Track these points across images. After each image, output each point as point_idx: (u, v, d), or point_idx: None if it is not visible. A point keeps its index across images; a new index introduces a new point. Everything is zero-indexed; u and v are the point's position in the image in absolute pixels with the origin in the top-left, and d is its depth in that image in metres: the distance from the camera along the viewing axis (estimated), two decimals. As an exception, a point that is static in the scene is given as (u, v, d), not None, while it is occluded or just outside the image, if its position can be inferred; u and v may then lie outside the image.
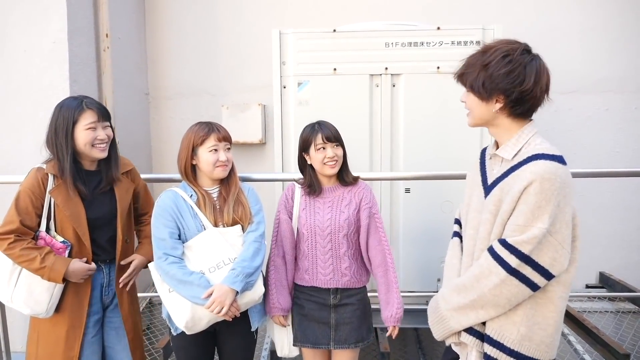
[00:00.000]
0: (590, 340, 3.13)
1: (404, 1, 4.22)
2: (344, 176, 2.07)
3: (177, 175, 2.07)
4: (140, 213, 2.20)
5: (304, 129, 2.08)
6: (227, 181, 2.02)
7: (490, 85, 1.43)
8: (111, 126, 2.00)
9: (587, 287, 4.39)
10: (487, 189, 1.53)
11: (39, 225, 1.88)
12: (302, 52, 3.07)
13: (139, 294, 3.54)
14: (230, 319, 1.87)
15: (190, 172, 2.00)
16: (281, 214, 2.09)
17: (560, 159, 1.39)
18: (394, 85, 3.08)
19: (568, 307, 3.56)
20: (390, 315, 2.00)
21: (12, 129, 3.25)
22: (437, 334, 1.56)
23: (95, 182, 1.96)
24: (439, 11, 4.19)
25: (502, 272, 1.38)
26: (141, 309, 4.00)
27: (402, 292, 3.12)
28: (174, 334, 1.98)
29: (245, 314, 1.98)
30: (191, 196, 1.96)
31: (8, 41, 3.23)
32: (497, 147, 1.54)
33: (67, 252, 1.88)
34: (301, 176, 2.14)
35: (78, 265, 1.87)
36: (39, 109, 3.17)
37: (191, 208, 1.94)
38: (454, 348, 1.60)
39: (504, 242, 1.39)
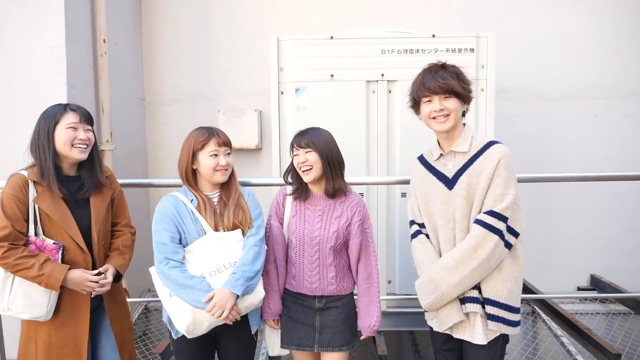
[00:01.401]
0: (582, 341, 3.18)
1: (400, 9, 4.30)
2: (326, 186, 2.04)
3: (173, 180, 2.07)
4: (112, 222, 2.12)
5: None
6: (227, 186, 2.03)
7: (467, 89, 1.85)
8: (93, 132, 2.01)
9: (579, 289, 4.47)
10: (450, 181, 1.86)
11: (27, 229, 1.87)
12: (299, 59, 3.11)
13: (135, 299, 3.58)
14: (231, 323, 1.88)
15: (190, 176, 2.01)
16: (272, 219, 2.10)
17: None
18: (390, 92, 3.13)
19: (561, 309, 3.62)
20: (368, 325, 2.04)
21: (8, 134, 3.25)
22: (434, 306, 1.84)
23: (75, 188, 1.95)
24: (434, 19, 4.27)
25: (495, 237, 1.72)
26: (137, 315, 4.02)
27: (397, 295, 3.21)
28: (175, 337, 1.99)
29: (245, 317, 2.00)
30: (192, 201, 1.98)
31: (6, 46, 3.23)
32: (441, 148, 1.93)
33: (60, 252, 1.87)
34: None
35: (78, 274, 1.87)
36: (36, 114, 3.12)
37: (192, 212, 1.95)
38: (447, 331, 1.86)
39: (491, 212, 1.74)
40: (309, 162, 1.99)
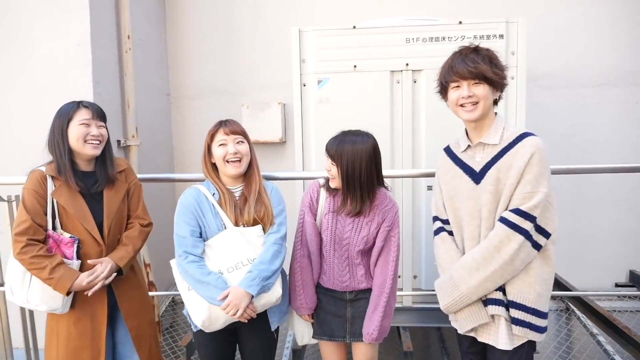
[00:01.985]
0: (621, 340, 3.03)
1: (424, -4, 4.17)
2: (345, 202, 1.97)
3: (192, 175, 2.06)
4: (128, 215, 2.12)
5: None
6: (248, 179, 2.01)
7: (501, 75, 1.69)
8: (106, 128, 2.03)
9: (617, 285, 4.28)
10: (477, 175, 1.73)
11: (46, 222, 1.91)
12: (321, 50, 3.05)
13: (162, 293, 3.62)
14: (246, 321, 1.86)
15: (211, 170, 2.01)
16: (306, 215, 2.05)
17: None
18: (415, 82, 3.03)
19: (597, 306, 3.46)
20: (367, 332, 2.00)
21: (37, 130, 3.30)
22: (454, 309, 1.74)
23: (91, 182, 1.98)
24: (460, 5, 4.12)
25: (520, 237, 1.59)
26: (164, 308, 4.07)
27: (423, 290, 3.13)
28: (194, 330, 2.00)
29: (264, 313, 1.97)
30: (213, 194, 1.96)
31: (34, 44, 3.29)
32: (469, 139, 1.79)
33: (75, 245, 1.91)
34: (325, 174, 2.10)
35: (82, 278, 1.89)
36: (64, 111, 3.22)
37: (213, 206, 1.94)
38: (470, 333, 1.75)
39: (517, 211, 1.61)
40: (332, 173, 1.95)
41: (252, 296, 1.82)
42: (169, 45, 4.49)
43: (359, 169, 1.89)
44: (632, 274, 4.25)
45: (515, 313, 1.64)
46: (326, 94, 3.07)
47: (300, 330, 2.15)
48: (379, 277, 2.01)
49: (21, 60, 3.31)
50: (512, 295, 1.65)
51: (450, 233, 1.85)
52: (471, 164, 1.77)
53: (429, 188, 3.06)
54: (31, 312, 2.64)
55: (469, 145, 1.80)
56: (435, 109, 3.00)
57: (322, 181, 2.07)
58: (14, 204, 2.57)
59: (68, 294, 1.88)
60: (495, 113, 1.77)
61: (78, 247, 1.92)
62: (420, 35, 2.99)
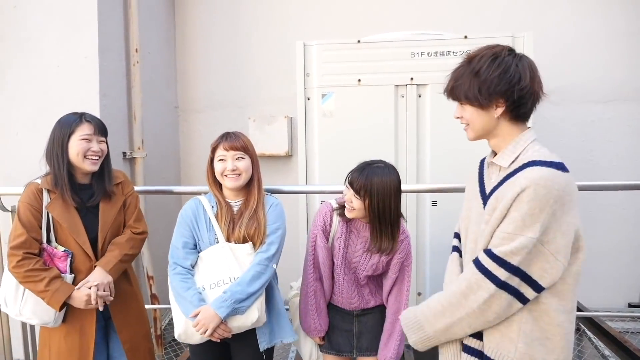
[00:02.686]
0: (632, 363, 2.93)
1: (429, 10, 4.16)
2: (371, 239, 1.93)
3: (193, 188, 2.07)
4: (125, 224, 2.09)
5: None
6: (247, 194, 1.97)
7: (487, 91, 1.34)
8: (107, 142, 2.03)
9: (630, 305, 4.16)
10: (485, 199, 1.45)
11: (41, 236, 1.91)
12: (326, 64, 3.05)
13: (165, 306, 3.59)
14: (219, 341, 1.83)
15: (212, 182, 2.00)
16: (318, 238, 2.00)
17: (559, 166, 1.30)
18: (419, 96, 3.01)
19: (609, 327, 3.36)
20: (384, 358, 2.01)
21: (44, 142, 3.33)
22: (425, 346, 1.47)
23: (87, 195, 1.98)
24: (465, 20, 4.11)
25: (492, 287, 1.30)
26: (167, 321, 4.04)
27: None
28: None
29: (253, 331, 1.91)
30: (213, 207, 1.95)
31: (43, 57, 3.34)
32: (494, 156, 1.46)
33: (68, 259, 1.90)
34: (332, 188, 2.14)
35: (80, 295, 1.87)
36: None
37: (209, 219, 1.92)
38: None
39: (490, 253, 1.31)
40: (353, 205, 1.87)
41: (221, 318, 1.77)
42: (177, 59, 4.53)
43: (389, 205, 1.84)
44: (646, 294, 4.13)
45: None
46: (330, 108, 3.06)
47: (307, 350, 2.15)
48: (392, 306, 2.02)
49: (29, 73, 3.36)
50: (488, 348, 1.36)
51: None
52: (487, 184, 1.49)
53: (434, 204, 3.02)
54: (7, 323, 2.64)
55: (491, 162, 1.52)
56: (440, 124, 2.98)
57: (334, 205, 2.02)
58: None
59: (61, 308, 1.87)
60: (529, 127, 1.44)
61: (72, 260, 1.91)
62: (425, 49, 2.97)
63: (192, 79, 4.52)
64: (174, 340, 3.92)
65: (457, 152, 2.93)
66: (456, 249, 1.62)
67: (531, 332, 1.31)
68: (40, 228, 1.90)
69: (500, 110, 1.37)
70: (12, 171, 3.39)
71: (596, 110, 4.11)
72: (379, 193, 1.81)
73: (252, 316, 1.83)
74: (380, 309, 2.10)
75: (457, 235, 1.64)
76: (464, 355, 1.41)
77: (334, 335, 2.10)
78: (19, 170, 3.35)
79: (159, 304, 3.70)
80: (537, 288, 1.29)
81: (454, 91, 1.42)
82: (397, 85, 3.01)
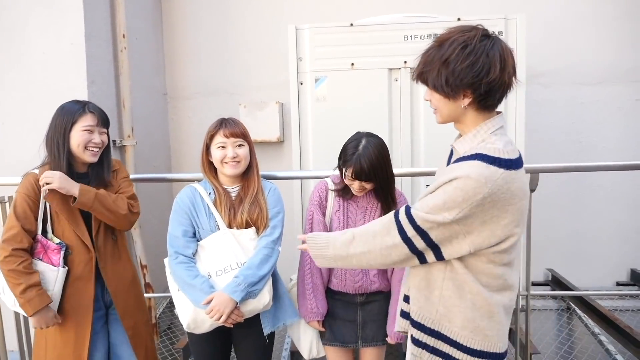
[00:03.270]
0: (623, 340, 3.01)
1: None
2: (376, 197, 1.95)
3: (187, 175, 2.02)
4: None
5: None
6: (246, 180, 1.96)
7: (454, 82, 1.30)
8: (108, 134, 2.01)
9: (618, 284, 4.25)
10: None
11: (36, 228, 1.88)
12: (318, 48, 3.02)
13: (159, 294, 3.59)
14: (232, 326, 1.82)
15: (208, 169, 1.97)
16: (315, 214, 1.99)
17: (504, 163, 1.28)
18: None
19: (598, 305, 3.43)
20: (392, 332, 1.97)
21: (30, 131, 3.26)
22: (320, 263, 1.56)
23: (84, 184, 1.94)
24: (458, 2, 4.09)
25: (397, 238, 1.37)
26: (162, 309, 4.03)
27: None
28: (187, 330, 1.96)
29: (257, 317, 1.92)
30: (209, 194, 1.93)
31: (28, 44, 3.25)
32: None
33: (61, 252, 1.87)
34: (327, 173, 2.07)
35: (47, 315, 1.85)
36: (58, 111, 3.19)
37: (207, 207, 1.90)
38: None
39: (407, 210, 1.37)
40: (366, 188, 1.89)
41: (237, 302, 1.77)
42: (165, 44, 4.45)
43: (391, 173, 1.93)
44: (634, 273, 4.22)
45: (414, 332, 1.44)
46: (323, 93, 3.04)
47: (307, 344, 2.06)
48: (398, 272, 1.94)
49: (15, 60, 3.27)
50: (413, 312, 1.46)
51: None
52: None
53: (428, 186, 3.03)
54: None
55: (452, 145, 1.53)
56: (434, 107, 2.98)
57: (331, 185, 2.01)
58: (7, 204, 2.54)
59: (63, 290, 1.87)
60: (499, 112, 1.41)
61: (66, 253, 1.89)
62: (418, 32, 2.95)
63: (180, 65, 4.44)
64: (169, 328, 3.91)
65: (451, 136, 2.94)
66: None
67: (450, 298, 1.39)
68: (36, 220, 1.87)
69: (467, 100, 1.34)
70: (-2, 161, 3.32)
71: (586, 92, 4.14)
72: (381, 169, 1.86)
73: (264, 299, 1.85)
74: (385, 296, 2.01)
75: None
76: (399, 318, 1.53)
77: (337, 326, 2.02)
78: (5, 161, 3.29)
79: (153, 292, 3.68)
80: (438, 255, 1.36)
81: (422, 76, 1.39)
82: (391, 69, 2.99)
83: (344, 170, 1.88)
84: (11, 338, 2.64)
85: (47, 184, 1.81)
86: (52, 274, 1.87)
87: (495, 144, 1.32)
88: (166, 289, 4.11)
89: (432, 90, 1.38)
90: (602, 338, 3.23)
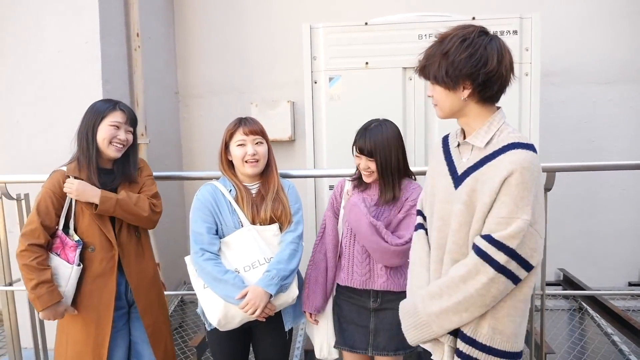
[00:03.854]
0: (636, 340, 3.00)
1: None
2: (380, 189, 1.95)
3: (204, 173, 2.02)
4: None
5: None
6: (266, 177, 1.99)
7: (454, 73, 1.36)
8: (134, 133, 2.05)
9: (630, 284, 4.23)
10: (457, 179, 1.46)
11: (57, 224, 1.92)
12: (333, 47, 3.02)
13: (171, 292, 3.61)
14: (264, 320, 1.85)
15: (227, 167, 2.00)
16: (327, 211, 2.05)
17: (533, 148, 1.37)
18: (427, 78, 3.00)
19: (611, 305, 3.42)
20: None
21: (46, 129, 3.30)
22: (414, 339, 1.46)
23: (109, 180, 1.99)
24: (473, 1, 4.07)
25: (491, 271, 1.32)
26: (173, 308, 4.05)
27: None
28: (208, 329, 1.98)
29: (278, 313, 1.95)
30: (230, 191, 1.95)
31: (44, 43, 3.28)
32: (464, 136, 1.49)
33: (78, 250, 1.89)
34: (341, 172, 2.13)
35: (56, 309, 1.88)
36: (72, 109, 3.19)
37: (230, 204, 1.92)
38: (424, 345, 1.51)
39: (489, 238, 1.33)
40: (371, 169, 1.91)
41: (271, 295, 1.80)
42: (177, 43, 4.47)
43: (397, 156, 1.91)
44: (646, 273, 4.20)
45: (462, 346, 1.38)
46: (337, 92, 3.04)
47: (319, 340, 2.08)
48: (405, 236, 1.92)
49: (30, 59, 3.30)
50: (464, 325, 1.40)
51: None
52: (457, 164, 1.50)
53: (442, 186, 3.03)
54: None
55: (459, 142, 1.54)
56: (449, 106, 2.97)
57: (349, 183, 2.04)
58: (23, 202, 2.56)
59: (80, 284, 1.91)
60: (499, 107, 1.47)
61: (87, 250, 1.92)
62: (432, 31, 2.88)
63: (192, 63, 4.46)
64: (180, 326, 3.93)
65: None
66: (421, 226, 1.63)
67: (503, 308, 1.36)
68: (58, 216, 1.90)
69: (467, 92, 1.39)
70: (13, 160, 3.35)
71: (599, 92, 4.12)
72: (384, 147, 1.88)
73: (293, 293, 1.89)
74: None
75: (420, 213, 1.67)
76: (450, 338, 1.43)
77: (348, 330, 2.00)
78: (20, 159, 3.32)
79: (165, 290, 3.69)
80: (528, 268, 1.34)
81: (424, 70, 1.45)
82: (405, 68, 2.99)
83: (353, 149, 1.94)
84: (26, 335, 2.67)
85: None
86: (67, 271, 1.89)
87: (516, 133, 1.40)
88: (178, 287, 4.16)
89: (434, 83, 1.43)
90: (616, 338, 3.22)
